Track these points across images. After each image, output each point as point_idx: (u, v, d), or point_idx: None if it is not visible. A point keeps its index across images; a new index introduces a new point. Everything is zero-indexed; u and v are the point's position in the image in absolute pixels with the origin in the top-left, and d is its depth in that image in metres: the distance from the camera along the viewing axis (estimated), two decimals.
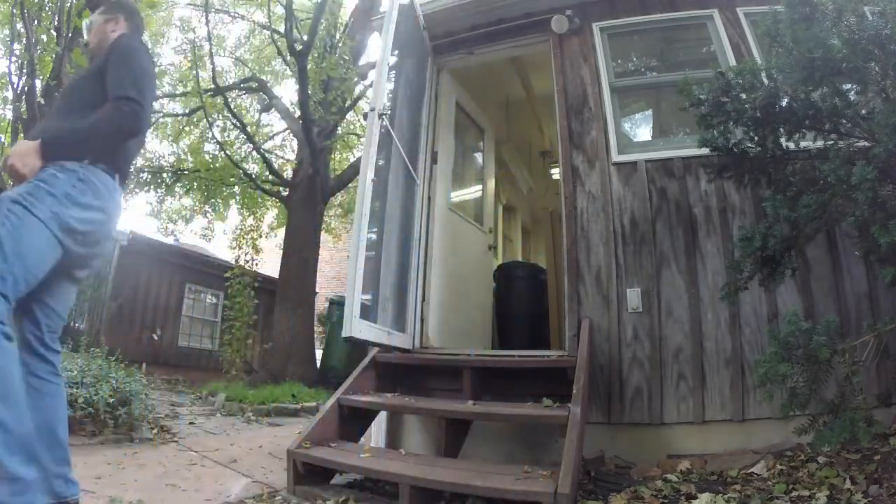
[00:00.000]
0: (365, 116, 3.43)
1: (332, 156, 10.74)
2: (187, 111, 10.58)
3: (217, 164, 9.70)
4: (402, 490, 2.40)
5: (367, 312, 3.04)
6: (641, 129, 4.44)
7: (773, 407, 2.49)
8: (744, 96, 2.40)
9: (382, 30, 3.41)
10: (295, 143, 10.80)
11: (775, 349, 2.07)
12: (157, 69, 10.14)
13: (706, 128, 2.52)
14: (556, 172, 6.28)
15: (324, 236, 10.81)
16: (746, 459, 2.72)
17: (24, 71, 5.97)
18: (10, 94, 6.16)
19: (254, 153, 10.52)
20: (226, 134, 10.51)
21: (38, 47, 6.01)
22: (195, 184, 10.42)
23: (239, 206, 11.14)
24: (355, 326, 2.81)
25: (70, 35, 5.96)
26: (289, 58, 8.44)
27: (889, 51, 1.98)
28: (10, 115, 6.36)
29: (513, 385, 3.34)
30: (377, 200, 3.15)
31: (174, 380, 9.35)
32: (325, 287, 14.69)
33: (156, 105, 10.68)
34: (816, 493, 2.17)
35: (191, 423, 5.15)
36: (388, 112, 3.27)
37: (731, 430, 2.98)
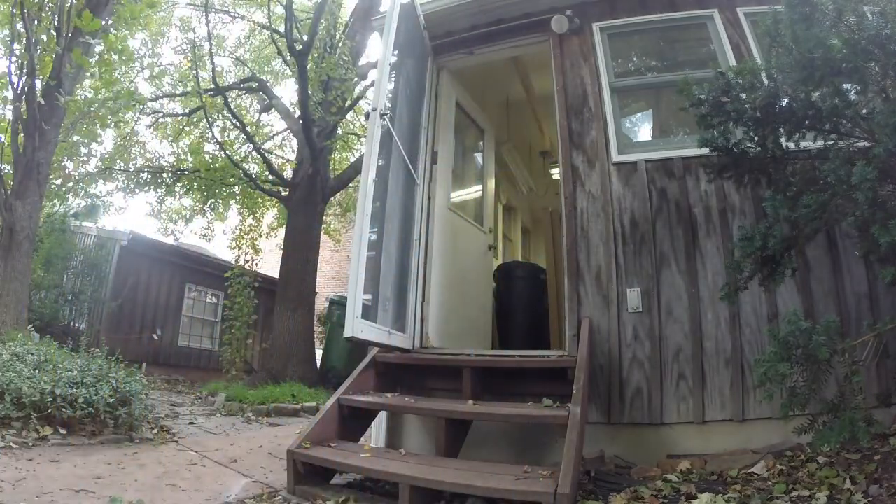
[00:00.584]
0: (366, 117, 3.44)
1: (332, 156, 10.74)
2: (187, 111, 10.57)
3: (217, 164, 9.69)
4: (402, 490, 2.40)
5: (368, 312, 3.05)
6: (641, 129, 4.44)
7: (773, 407, 2.49)
8: (744, 96, 2.40)
9: (383, 30, 3.41)
10: (295, 143, 10.79)
11: (775, 349, 2.07)
12: (157, 69, 10.17)
13: (706, 128, 2.52)
14: (556, 172, 6.28)
15: (324, 236, 10.80)
16: (746, 459, 2.72)
17: (24, 71, 5.96)
18: (10, 94, 6.15)
19: (254, 153, 10.51)
20: (226, 134, 10.51)
21: (38, 47, 6.00)
22: (195, 184, 10.41)
23: (239, 206, 11.13)
24: (357, 326, 2.81)
25: (70, 35, 5.96)
26: (289, 58, 8.43)
27: (889, 51, 1.98)
28: (10, 115, 6.35)
29: (513, 385, 3.34)
30: (377, 200, 3.15)
31: (174, 380, 9.37)
32: (325, 287, 14.69)
33: (156, 105, 10.68)
34: (816, 493, 2.17)
35: (191, 423, 5.16)
36: (389, 112, 3.27)
37: (731, 430, 2.98)
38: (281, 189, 9.94)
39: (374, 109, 3.11)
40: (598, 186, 3.56)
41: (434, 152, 4.20)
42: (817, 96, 2.21)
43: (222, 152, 9.59)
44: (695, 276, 3.23)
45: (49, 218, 9.85)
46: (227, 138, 10.40)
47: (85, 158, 9.97)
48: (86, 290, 9.92)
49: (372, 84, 9.80)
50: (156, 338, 10.50)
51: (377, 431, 3.69)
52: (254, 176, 9.50)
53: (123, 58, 8.26)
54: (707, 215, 3.31)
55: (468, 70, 4.63)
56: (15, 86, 6.08)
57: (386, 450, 3.32)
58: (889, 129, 1.91)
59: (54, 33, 6.02)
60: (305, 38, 7.86)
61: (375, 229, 3.15)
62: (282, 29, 8.37)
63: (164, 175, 10.74)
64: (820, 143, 2.38)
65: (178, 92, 10.70)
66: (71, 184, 10.05)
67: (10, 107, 6.19)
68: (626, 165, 3.55)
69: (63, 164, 9.40)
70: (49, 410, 3.67)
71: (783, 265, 2.41)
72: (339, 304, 9.03)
